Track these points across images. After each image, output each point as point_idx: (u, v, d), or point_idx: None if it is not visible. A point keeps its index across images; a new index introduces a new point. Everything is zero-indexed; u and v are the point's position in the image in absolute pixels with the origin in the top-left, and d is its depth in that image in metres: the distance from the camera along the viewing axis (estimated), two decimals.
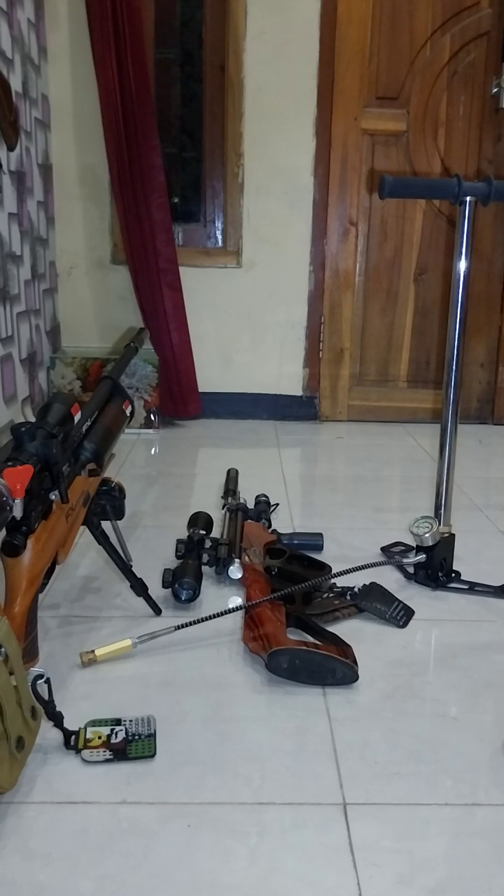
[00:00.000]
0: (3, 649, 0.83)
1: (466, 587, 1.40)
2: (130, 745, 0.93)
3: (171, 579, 1.29)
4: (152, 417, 2.48)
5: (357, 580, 1.32)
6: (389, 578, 1.42)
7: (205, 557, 1.39)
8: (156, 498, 1.87)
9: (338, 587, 1.33)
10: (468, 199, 1.28)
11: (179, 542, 1.42)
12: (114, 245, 2.56)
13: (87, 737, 0.94)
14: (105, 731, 0.95)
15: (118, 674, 1.09)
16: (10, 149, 2.01)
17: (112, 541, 1.24)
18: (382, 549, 1.56)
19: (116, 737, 0.94)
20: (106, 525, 1.25)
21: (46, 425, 1.01)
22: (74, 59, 2.41)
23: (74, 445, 1.14)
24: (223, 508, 1.67)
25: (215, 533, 1.51)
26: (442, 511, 1.42)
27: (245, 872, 0.76)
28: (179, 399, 2.51)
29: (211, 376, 2.62)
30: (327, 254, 2.58)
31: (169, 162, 2.56)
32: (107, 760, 0.91)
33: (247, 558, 1.38)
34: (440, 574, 1.41)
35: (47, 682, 0.91)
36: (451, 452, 1.40)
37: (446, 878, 0.76)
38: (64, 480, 1.03)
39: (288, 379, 2.68)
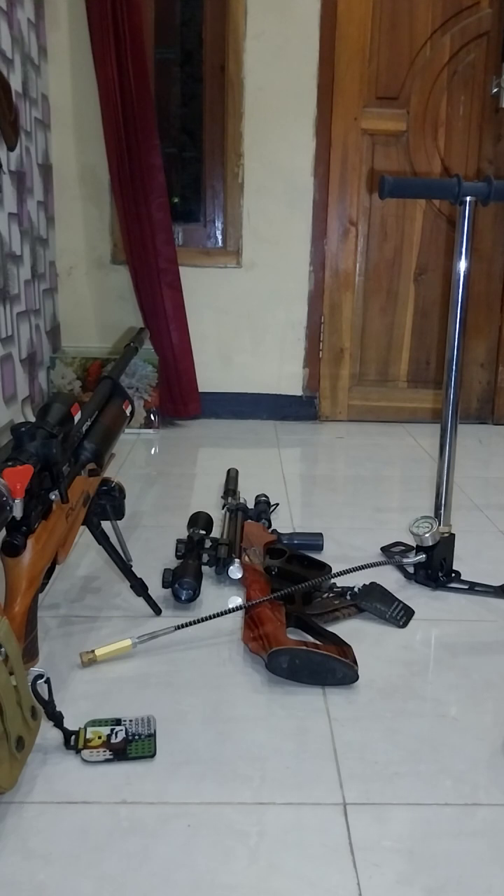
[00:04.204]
0: (3, 649, 0.83)
1: (466, 587, 1.40)
2: (130, 745, 0.93)
3: (171, 579, 1.29)
4: (152, 417, 2.48)
5: (357, 580, 1.32)
6: (389, 578, 1.42)
7: (205, 557, 1.39)
8: (156, 498, 1.87)
9: (338, 587, 1.33)
10: (468, 199, 1.28)
11: (179, 542, 1.42)
12: (114, 245, 2.56)
13: (87, 737, 0.94)
14: (105, 731, 0.95)
15: (118, 674, 1.09)
16: (10, 149, 2.01)
17: (112, 541, 1.24)
18: (382, 549, 1.56)
19: (116, 737, 0.94)
20: (106, 525, 1.25)
21: (46, 425, 1.01)
22: (74, 59, 2.41)
23: (74, 445, 1.14)
24: (223, 508, 1.67)
25: (215, 533, 1.51)
26: (442, 511, 1.42)
27: (245, 872, 0.76)
28: (179, 399, 2.51)
29: (211, 376, 2.62)
30: (327, 254, 2.58)
31: (169, 162, 2.56)
32: (107, 760, 0.91)
33: (247, 558, 1.38)
34: (440, 574, 1.41)
35: (47, 682, 0.91)
36: (451, 452, 1.40)
37: (446, 878, 0.76)
38: (64, 480, 1.03)
39: (288, 379, 2.68)
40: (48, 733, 0.94)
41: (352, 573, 1.33)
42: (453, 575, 1.42)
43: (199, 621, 1.16)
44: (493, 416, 2.73)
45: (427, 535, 1.39)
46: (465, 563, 1.47)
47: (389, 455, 2.33)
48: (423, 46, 2.47)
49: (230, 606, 1.20)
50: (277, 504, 1.77)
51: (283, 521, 1.70)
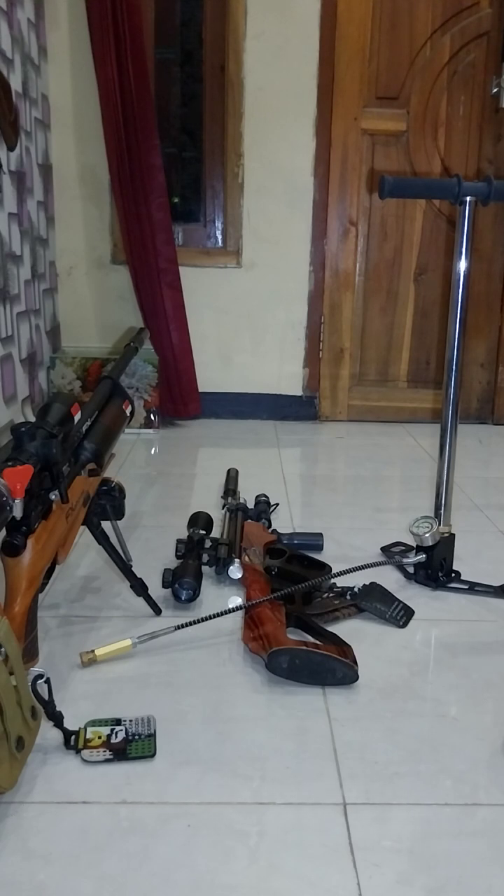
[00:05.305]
0: (3, 649, 0.83)
1: (466, 587, 1.40)
2: (130, 745, 0.93)
3: (171, 579, 1.29)
4: (152, 417, 2.48)
5: (357, 580, 1.32)
6: (389, 578, 1.42)
7: (205, 557, 1.39)
8: (156, 498, 1.87)
9: (338, 587, 1.33)
10: (468, 199, 1.28)
11: (179, 542, 1.42)
12: (114, 245, 2.56)
13: (87, 737, 0.94)
14: (105, 731, 0.95)
15: (118, 674, 1.09)
16: (10, 149, 2.01)
17: (112, 541, 1.24)
18: (382, 549, 1.56)
19: (116, 737, 0.94)
20: (106, 525, 1.25)
21: (46, 425, 1.01)
22: (74, 59, 2.41)
23: (74, 445, 1.14)
24: (223, 508, 1.67)
25: (215, 533, 1.51)
26: (442, 511, 1.42)
27: (245, 872, 0.76)
28: (179, 399, 2.51)
29: (211, 376, 2.62)
30: (327, 254, 2.58)
31: (169, 162, 2.56)
32: (107, 760, 0.91)
33: (247, 558, 1.38)
34: (440, 574, 1.41)
35: (47, 682, 0.90)
36: (451, 452, 1.40)
37: (446, 878, 0.76)
38: (64, 480, 1.03)
39: (288, 379, 2.68)
40: (48, 733, 0.94)
41: (352, 573, 1.33)
42: (453, 575, 1.42)
43: (199, 621, 1.16)
44: (493, 416, 2.73)
45: (427, 535, 1.39)
46: (465, 563, 1.47)
47: (389, 455, 2.33)
48: (423, 46, 2.47)
49: (230, 606, 1.20)
50: (277, 504, 1.77)
51: (283, 521, 1.70)
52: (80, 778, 0.88)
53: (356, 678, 1.08)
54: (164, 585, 1.30)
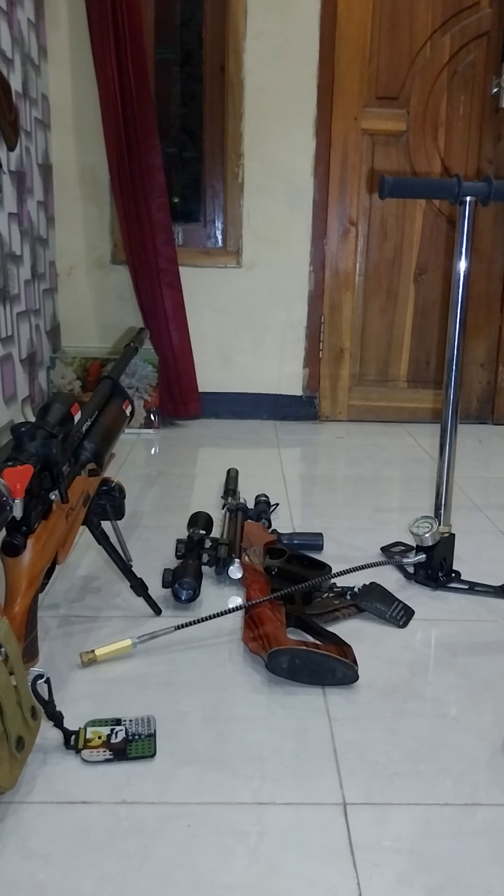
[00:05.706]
0: (3, 649, 0.83)
1: (466, 587, 1.40)
2: (130, 745, 0.93)
3: (171, 579, 1.29)
4: (152, 417, 2.48)
5: (357, 580, 1.32)
6: (389, 578, 1.42)
7: (205, 557, 1.39)
8: (156, 498, 1.87)
9: (338, 587, 1.33)
10: (468, 199, 1.28)
11: (179, 542, 1.42)
12: (114, 245, 2.56)
13: (87, 737, 0.94)
14: (105, 731, 0.95)
15: (118, 674, 1.09)
16: (10, 149, 2.01)
17: (112, 541, 1.24)
18: (382, 549, 1.56)
19: (116, 737, 0.94)
20: (106, 525, 1.25)
21: (46, 425, 1.01)
22: (74, 59, 2.41)
23: (74, 445, 1.14)
24: (223, 508, 1.67)
25: (215, 533, 1.51)
26: (442, 511, 1.42)
27: (245, 872, 0.76)
28: (179, 399, 2.51)
29: (211, 376, 2.62)
30: (327, 254, 2.58)
31: (169, 162, 2.56)
32: (107, 760, 0.91)
33: (247, 558, 1.38)
34: (440, 574, 1.41)
35: (47, 682, 0.90)
36: (451, 452, 1.40)
37: (446, 878, 0.76)
38: (64, 480, 1.03)
39: (288, 379, 2.68)
40: (48, 733, 0.94)
41: (352, 573, 1.33)
42: (453, 575, 1.42)
43: (199, 621, 1.16)
44: (493, 416, 2.73)
45: (427, 535, 1.39)
46: (465, 563, 1.47)
47: (389, 455, 2.33)
48: (423, 46, 2.47)
49: (230, 606, 1.20)
50: (277, 504, 1.77)
51: (283, 521, 1.70)
52: (80, 778, 0.88)
53: (356, 678, 1.08)
54: (164, 585, 1.30)
